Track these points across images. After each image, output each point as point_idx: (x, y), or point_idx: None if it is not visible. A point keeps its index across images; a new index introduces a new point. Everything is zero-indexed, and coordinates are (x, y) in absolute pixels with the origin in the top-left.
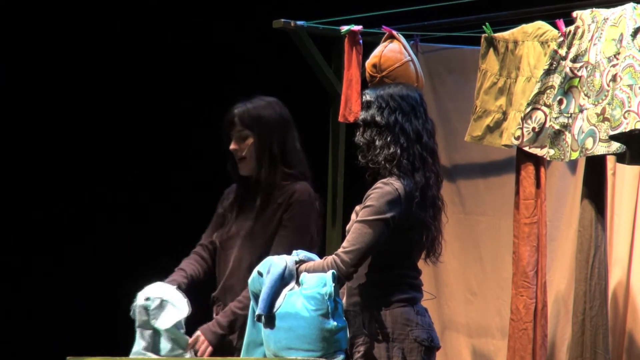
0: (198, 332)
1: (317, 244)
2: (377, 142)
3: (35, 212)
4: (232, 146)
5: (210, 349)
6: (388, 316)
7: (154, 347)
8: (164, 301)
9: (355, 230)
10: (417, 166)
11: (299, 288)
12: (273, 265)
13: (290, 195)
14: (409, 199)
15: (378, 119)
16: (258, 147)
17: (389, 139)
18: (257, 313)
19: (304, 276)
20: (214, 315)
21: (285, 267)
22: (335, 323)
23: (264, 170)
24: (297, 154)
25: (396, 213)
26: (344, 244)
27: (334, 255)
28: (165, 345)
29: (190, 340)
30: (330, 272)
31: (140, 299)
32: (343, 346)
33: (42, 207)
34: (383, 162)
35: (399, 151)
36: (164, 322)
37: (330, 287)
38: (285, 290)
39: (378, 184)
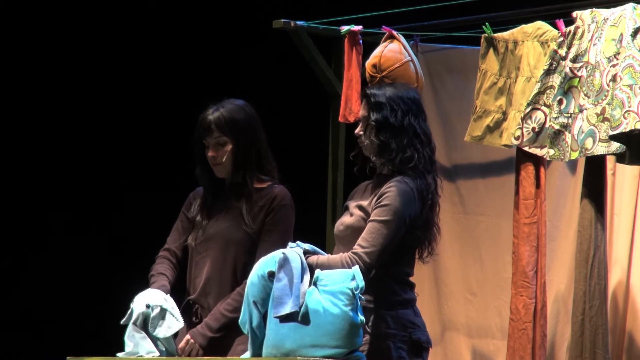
0: (188, 336)
1: None
2: (392, 145)
3: (33, 211)
4: (211, 153)
5: (201, 352)
6: (391, 317)
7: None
8: (163, 309)
9: (374, 230)
10: (429, 168)
11: (317, 285)
12: (291, 259)
13: (272, 199)
14: (421, 198)
15: (392, 120)
16: (236, 153)
17: (405, 141)
18: (290, 310)
19: (319, 273)
20: (193, 319)
21: (301, 260)
22: (362, 317)
23: (246, 175)
24: (269, 156)
25: (412, 212)
26: (363, 243)
27: (352, 254)
28: (156, 349)
29: (181, 344)
30: (356, 267)
31: (139, 304)
32: (360, 343)
33: (42, 207)
34: (399, 163)
35: (415, 154)
36: (163, 331)
37: (361, 282)
38: (304, 286)
39: (393, 183)
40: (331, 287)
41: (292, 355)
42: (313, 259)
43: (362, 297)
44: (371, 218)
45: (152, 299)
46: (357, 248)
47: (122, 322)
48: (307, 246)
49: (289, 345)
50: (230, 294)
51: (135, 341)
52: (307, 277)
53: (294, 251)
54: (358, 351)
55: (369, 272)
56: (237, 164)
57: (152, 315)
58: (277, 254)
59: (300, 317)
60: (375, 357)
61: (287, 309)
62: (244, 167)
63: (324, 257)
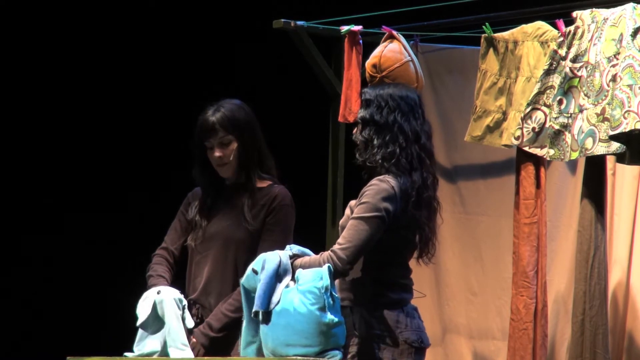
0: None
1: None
2: (375, 141)
3: (33, 211)
4: (217, 153)
5: (202, 351)
6: (378, 318)
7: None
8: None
9: (352, 227)
10: (415, 166)
11: (295, 284)
12: (267, 261)
13: (272, 198)
14: (404, 197)
15: (377, 117)
16: (241, 152)
17: (387, 137)
18: (254, 309)
19: (299, 272)
20: (194, 319)
21: (280, 262)
22: (332, 317)
23: (250, 173)
24: (268, 154)
25: (392, 210)
26: (340, 240)
27: (329, 252)
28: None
29: None
30: (325, 266)
31: (169, 294)
32: (341, 342)
33: (42, 206)
34: (381, 160)
35: (397, 150)
36: (190, 321)
37: (326, 281)
38: (281, 286)
39: (374, 181)
40: (304, 286)
41: (277, 354)
42: (298, 261)
43: (337, 296)
44: (351, 216)
45: (175, 292)
46: (335, 245)
47: (138, 320)
48: (297, 250)
49: (270, 344)
50: (231, 294)
51: (143, 342)
52: (287, 278)
53: (278, 253)
54: (336, 349)
55: (345, 268)
56: (242, 163)
57: (184, 303)
58: (263, 257)
59: (276, 316)
60: (361, 358)
61: (252, 309)
62: (247, 166)
63: (307, 257)
